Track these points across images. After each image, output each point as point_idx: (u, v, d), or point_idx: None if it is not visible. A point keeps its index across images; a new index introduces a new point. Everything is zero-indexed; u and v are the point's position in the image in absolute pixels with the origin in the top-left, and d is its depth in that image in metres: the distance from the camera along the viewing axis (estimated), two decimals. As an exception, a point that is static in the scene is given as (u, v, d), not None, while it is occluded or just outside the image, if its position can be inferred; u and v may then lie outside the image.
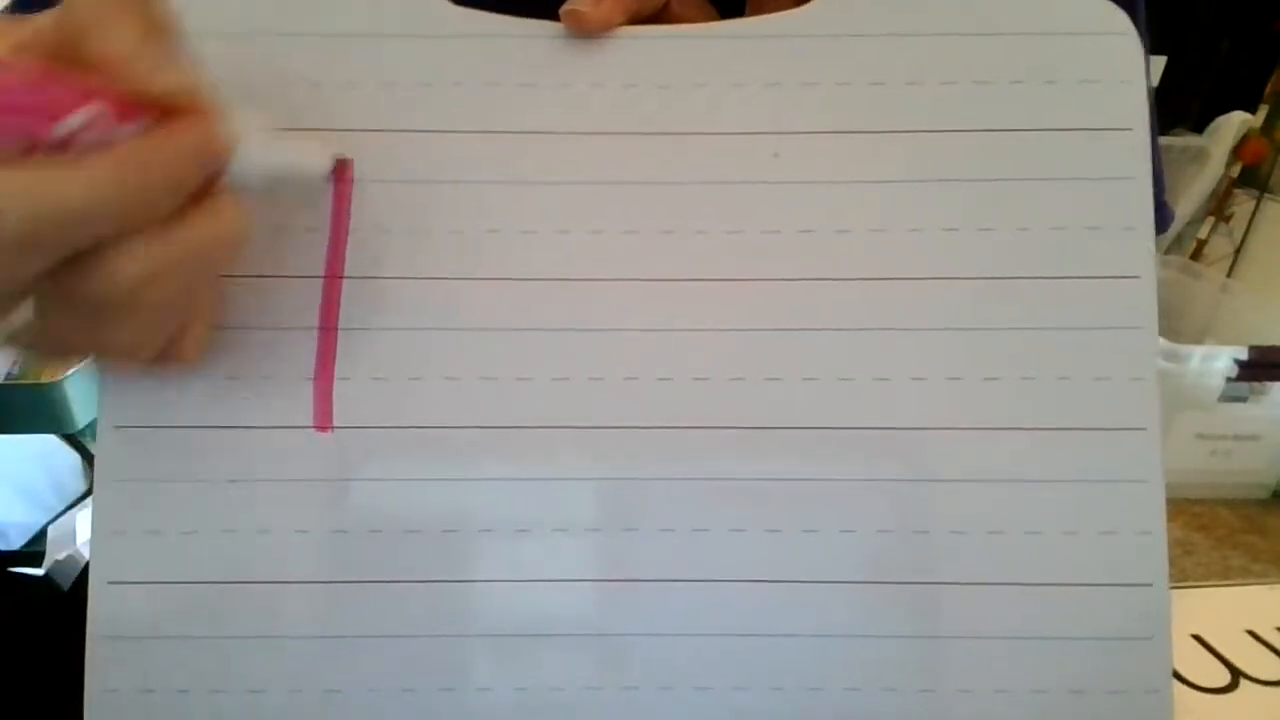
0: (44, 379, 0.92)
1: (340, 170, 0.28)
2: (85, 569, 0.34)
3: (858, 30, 0.29)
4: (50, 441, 1.02)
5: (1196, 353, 1.22)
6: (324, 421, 0.28)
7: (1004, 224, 0.28)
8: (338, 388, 0.28)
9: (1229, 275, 1.63)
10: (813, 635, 0.28)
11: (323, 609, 0.28)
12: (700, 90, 0.29)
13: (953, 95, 0.29)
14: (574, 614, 0.28)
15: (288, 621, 0.28)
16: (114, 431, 0.28)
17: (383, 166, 0.28)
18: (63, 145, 0.20)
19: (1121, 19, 0.29)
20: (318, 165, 0.26)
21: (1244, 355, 1.21)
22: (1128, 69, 0.29)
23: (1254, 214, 1.62)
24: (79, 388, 0.94)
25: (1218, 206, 1.65)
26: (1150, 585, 0.28)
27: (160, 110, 0.21)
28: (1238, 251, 1.64)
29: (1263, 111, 1.59)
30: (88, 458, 1.02)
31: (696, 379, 0.28)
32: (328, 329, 0.28)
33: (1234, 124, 1.61)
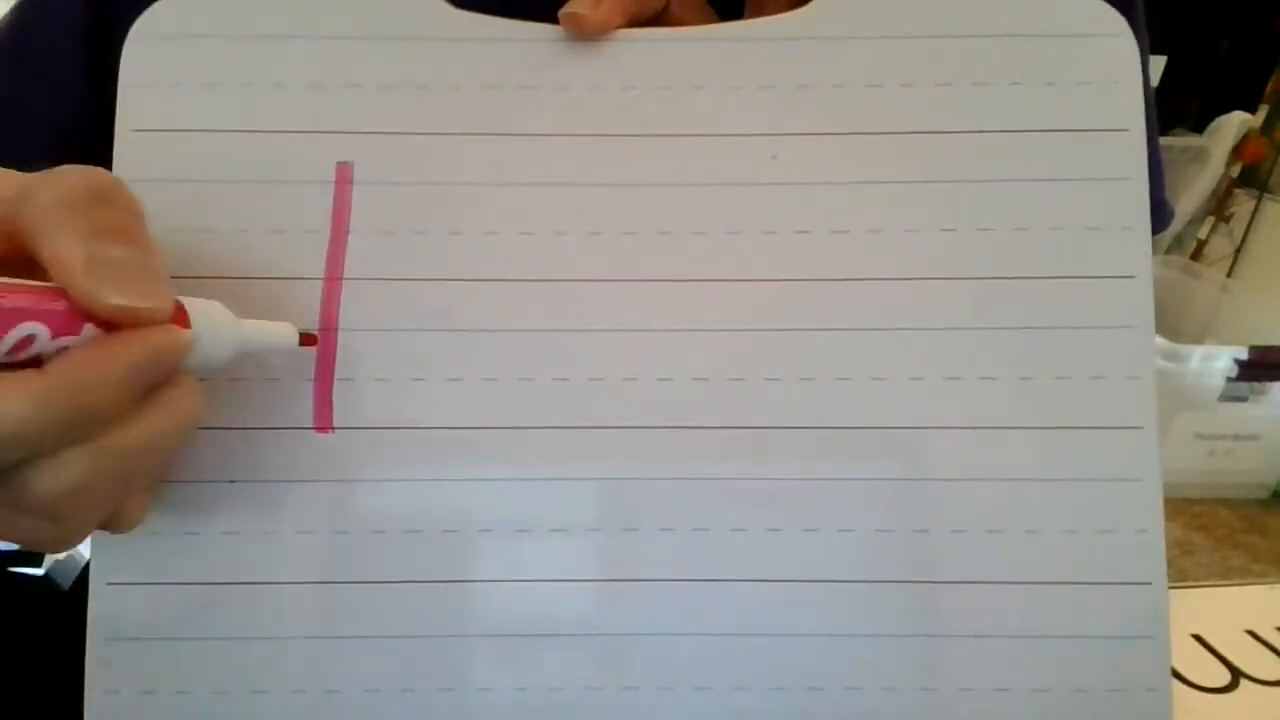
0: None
1: (341, 172, 0.28)
2: (85, 569, 0.34)
3: (855, 32, 0.29)
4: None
5: (1196, 353, 1.22)
6: (324, 422, 0.28)
7: (1001, 224, 0.28)
8: (338, 389, 0.28)
9: (1229, 275, 1.63)
10: (813, 635, 0.28)
11: (323, 609, 0.28)
12: (699, 92, 0.29)
13: (949, 96, 0.29)
14: (574, 614, 0.28)
15: (289, 622, 0.28)
16: None
17: (382, 168, 0.28)
18: (7, 366, 0.19)
19: (1117, 20, 0.29)
20: (284, 341, 0.26)
21: (1244, 355, 1.21)
22: (1123, 70, 0.29)
23: (1254, 214, 1.62)
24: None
25: (1218, 206, 1.65)
26: (1149, 584, 0.28)
27: (106, 320, 0.20)
28: (1238, 251, 1.64)
29: (1263, 111, 1.60)
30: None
31: (696, 379, 0.28)
32: (327, 330, 0.28)
33: (1234, 124, 1.61)
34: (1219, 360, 1.24)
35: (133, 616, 0.27)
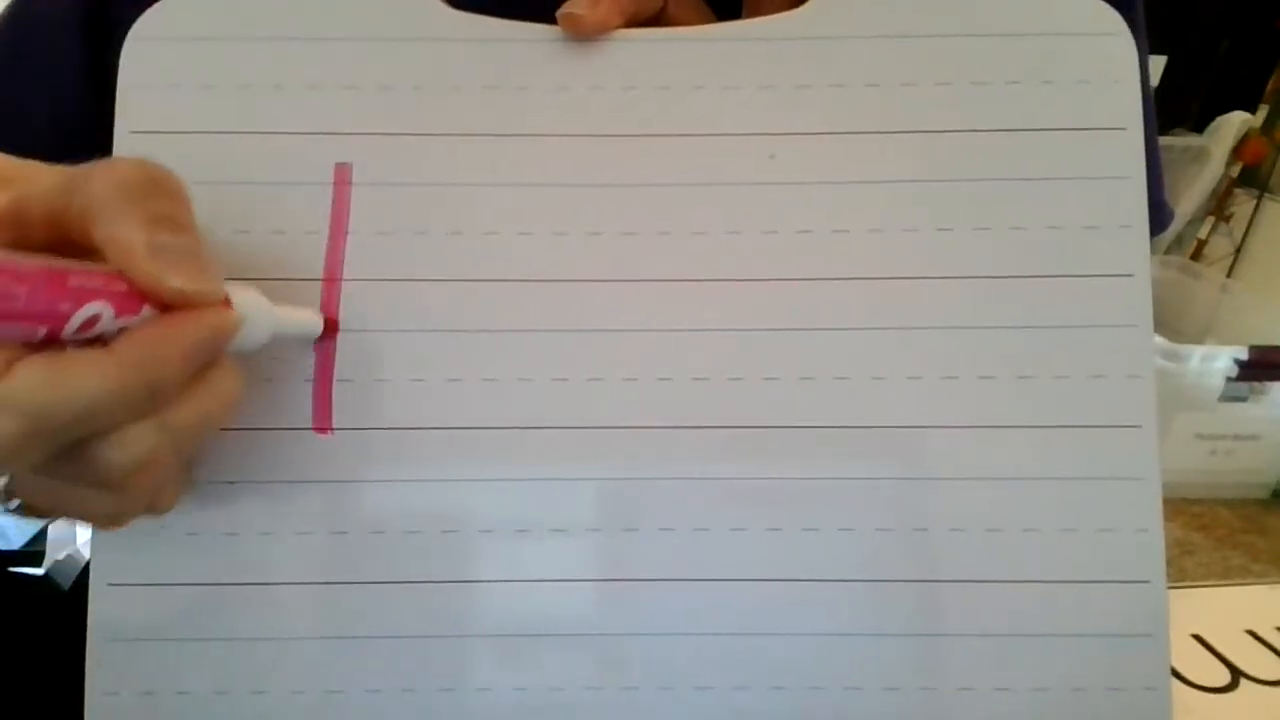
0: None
1: (340, 173, 0.28)
2: (85, 569, 0.34)
3: (853, 32, 0.29)
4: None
5: (1196, 353, 1.22)
6: (324, 423, 0.28)
7: (1000, 223, 0.28)
8: (337, 389, 0.28)
9: (1229, 275, 1.63)
10: (813, 634, 0.28)
11: (323, 610, 0.28)
12: (697, 92, 0.29)
13: (948, 96, 0.29)
14: (574, 614, 0.28)
15: (289, 622, 0.28)
16: None
17: (381, 169, 0.28)
18: (66, 342, 0.20)
19: (1115, 19, 0.29)
20: (310, 327, 0.27)
21: (1244, 355, 1.21)
22: (1121, 69, 0.29)
23: (1254, 214, 1.62)
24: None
25: (1218, 206, 1.65)
26: (1148, 583, 0.28)
27: (164, 302, 0.21)
28: (1238, 251, 1.64)
29: (1263, 111, 1.59)
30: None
31: (696, 379, 0.28)
32: (326, 331, 0.28)
33: (1234, 124, 1.61)
34: (1219, 360, 1.23)
35: (133, 617, 0.27)
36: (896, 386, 0.28)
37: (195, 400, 0.22)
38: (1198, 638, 0.56)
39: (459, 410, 0.28)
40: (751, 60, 0.29)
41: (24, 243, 0.21)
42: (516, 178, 0.29)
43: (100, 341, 0.20)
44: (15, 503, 0.23)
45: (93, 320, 0.20)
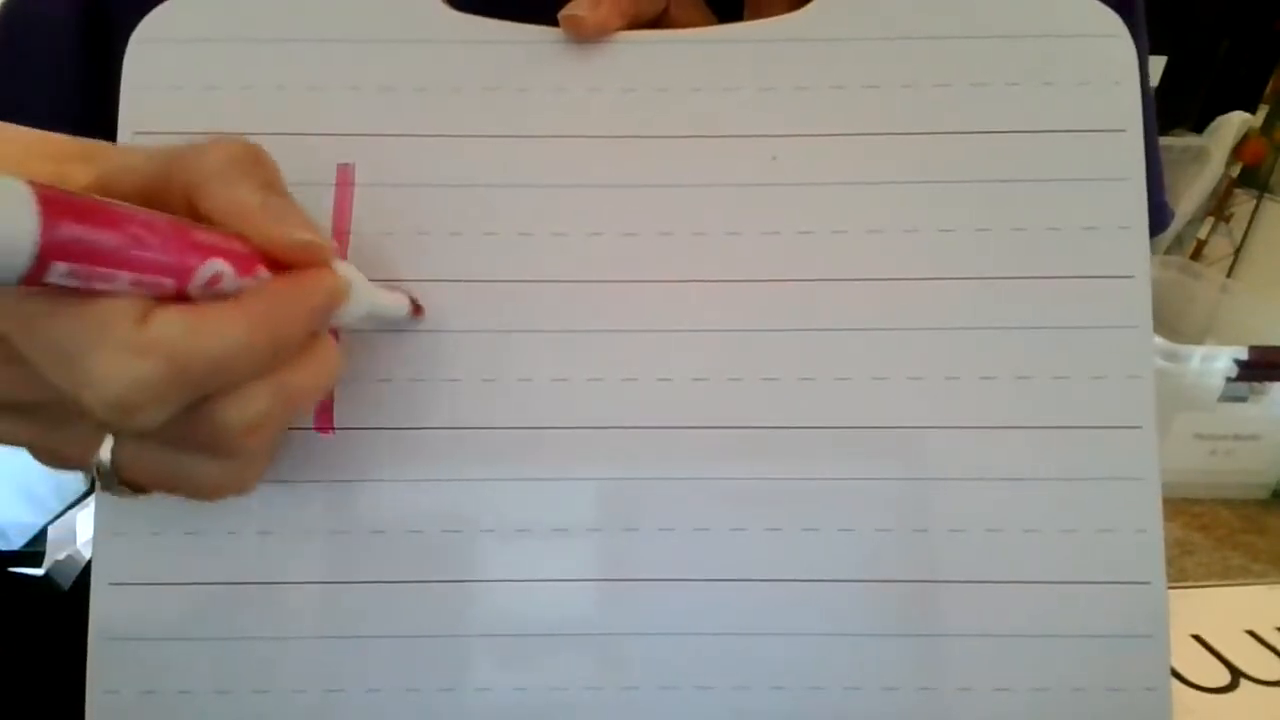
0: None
1: (342, 174, 0.28)
2: (85, 569, 0.34)
3: (854, 34, 0.29)
4: (51, 442, 1.02)
5: (1196, 353, 1.22)
6: (325, 423, 0.28)
7: (1000, 224, 0.28)
8: (339, 389, 0.28)
9: (1229, 275, 1.63)
10: (813, 634, 0.28)
11: (324, 609, 0.28)
12: (698, 94, 0.29)
13: (948, 97, 0.29)
14: (575, 614, 0.28)
15: (289, 622, 0.28)
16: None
17: (382, 170, 0.29)
18: (197, 294, 0.20)
19: (1114, 21, 0.29)
20: (401, 309, 0.27)
21: (1244, 355, 1.21)
22: (1121, 71, 0.29)
23: (1254, 214, 1.62)
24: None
25: (1218, 206, 1.65)
26: (1148, 583, 0.28)
27: (276, 262, 0.21)
28: (1238, 251, 1.64)
29: (1263, 111, 1.59)
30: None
31: (696, 379, 0.28)
32: (328, 331, 0.28)
33: (1234, 124, 1.61)
34: (1219, 360, 1.23)
35: (134, 616, 0.27)
36: (896, 387, 0.28)
37: (306, 365, 0.22)
38: (1198, 638, 0.56)
39: (459, 410, 0.28)
40: (752, 62, 0.29)
41: None
42: (517, 179, 0.29)
43: (222, 299, 0.20)
44: (112, 481, 0.22)
45: (216, 278, 0.20)
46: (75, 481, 1.09)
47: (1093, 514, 0.28)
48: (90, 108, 0.34)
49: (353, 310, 0.24)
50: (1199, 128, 1.66)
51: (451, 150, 0.29)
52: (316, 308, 0.22)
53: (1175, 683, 0.51)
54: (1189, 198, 1.64)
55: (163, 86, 0.29)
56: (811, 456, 0.28)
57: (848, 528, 0.28)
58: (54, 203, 0.16)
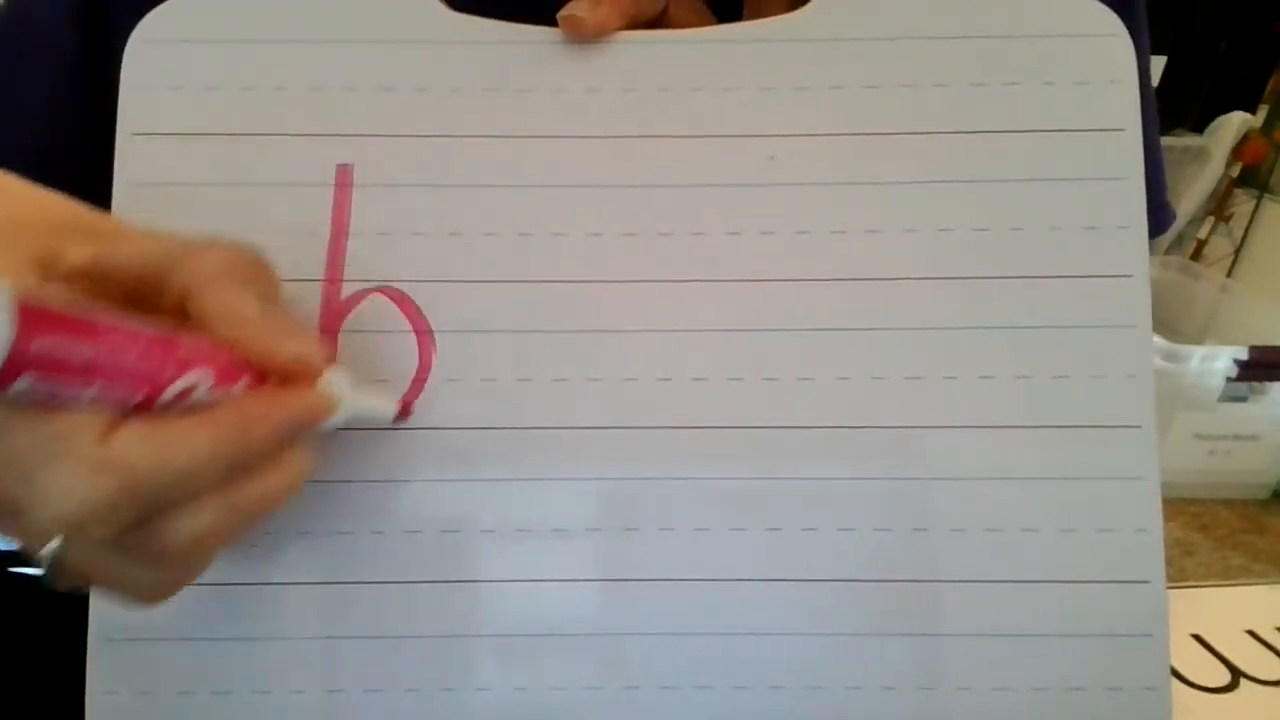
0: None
1: (341, 175, 0.28)
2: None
3: (853, 34, 0.29)
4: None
5: (1196, 353, 1.22)
6: (398, 417, 0.28)
7: (999, 224, 0.28)
8: None
9: (1229, 275, 1.63)
10: (812, 634, 0.28)
11: (324, 610, 0.28)
12: (697, 94, 0.29)
13: (947, 97, 0.29)
14: (575, 614, 0.28)
15: (289, 622, 0.28)
16: None
17: (382, 170, 0.29)
18: (165, 407, 0.20)
19: (1113, 21, 0.29)
20: (387, 411, 0.27)
21: (1244, 355, 1.21)
22: (1120, 70, 0.29)
23: (1254, 214, 1.62)
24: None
25: (1218, 206, 1.65)
26: (1147, 583, 0.28)
27: (262, 373, 0.21)
28: (1238, 251, 1.64)
29: (1263, 111, 1.60)
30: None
31: (695, 379, 0.28)
32: (327, 332, 0.28)
33: (1234, 124, 1.61)
34: (1219, 360, 1.24)
35: (133, 617, 0.27)
36: (896, 387, 0.28)
37: (267, 477, 0.22)
38: (1198, 638, 0.56)
39: (459, 411, 0.28)
40: (751, 62, 0.29)
41: (101, 298, 0.22)
42: (516, 179, 0.29)
43: (190, 411, 0.20)
44: (57, 573, 0.22)
45: (189, 390, 0.20)
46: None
47: (1092, 513, 0.28)
48: (86, 109, 0.34)
49: (334, 421, 0.24)
50: (1199, 128, 1.66)
51: (451, 150, 0.29)
52: (292, 424, 0.22)
53: (1175, 682, 0.51)
54: (1189, 198, 1.64)
55: (162, 87, 0.29)
56: (811, 456, 0.28)
57: (847, 527, 0.28)
58: (33, 316, 0.16)
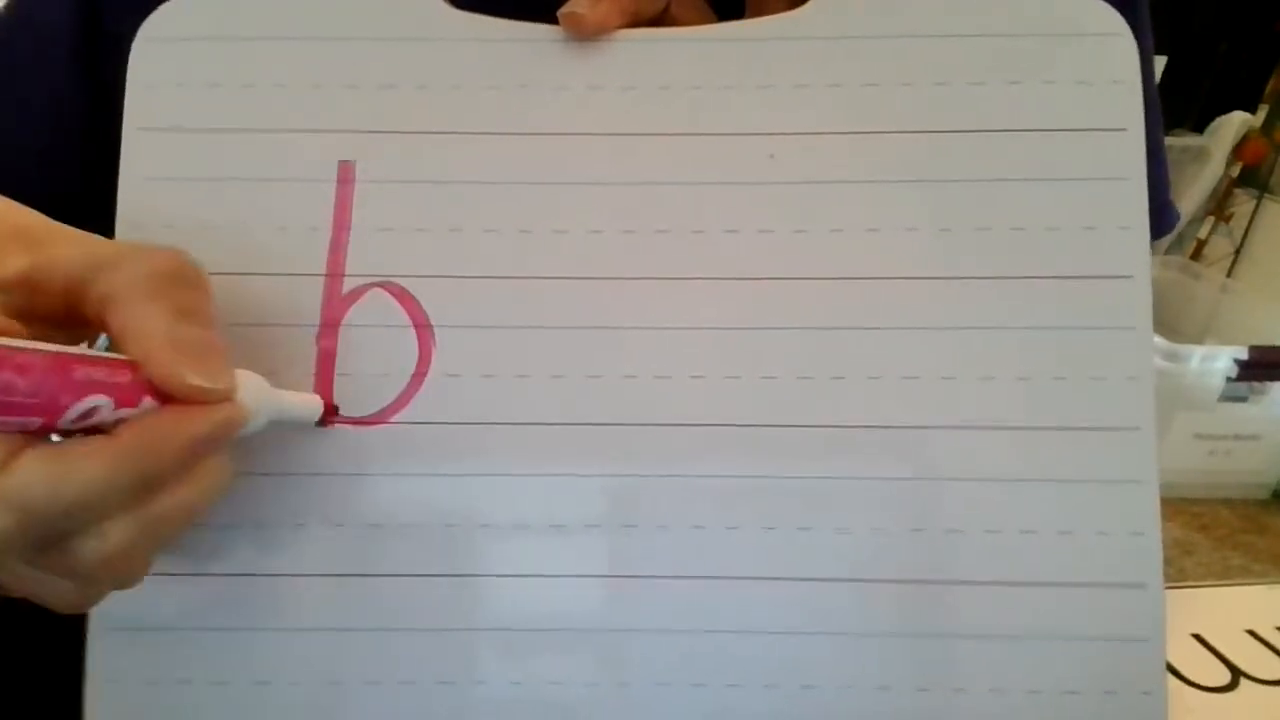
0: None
1: (343, 171, 0.29)
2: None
3: (852, 32, 0.29)
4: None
5: (1196, 353, 1.22)
6: (324, 417, 0.28)
7: (999, 224, 0.28)
8: (338, 383, 0.28)
9: (1229, 275, 1.63)
10: (808, 633, 0.28)
11: (323, 602, 0.28)
12: (697, 92, 0.29)
13: (947, 96, 0.29)
14: (572, 610, 0.28)
15: (289, 614, 0.28)
16: None
17: (382, 167, 0.29)
18: (70, 430, 0.19)
19: (1116, 20, 0.29)
20: (312, 412, 0.27)
21: (1244, 355, 1.21)
22: (1123, 70, 0.29)
23: (1254, 214, 1.62)
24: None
25: (1218, 206, 1.65)
26: (1145, 586, 0.28)
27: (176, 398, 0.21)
28: (1238, 251, 1.64)
29: (1263, 111, 1.60)
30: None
31: (694, 377, 0.28)
32: (328, 326, 0.28)
33: (1234, 124, 1.61)
34: (1219, 360, 1.24)
35: (133, 608, 0.28)
36: (894, 386, 0.28)
37: (184, 489, 0.22)
38: (1198, 637, 0.56)
39: (458, 405, 0.28)
40: (751, 60, 0.29)
41: (38, 309, 0.21)
42: (517, 176, 0.29)
43: (96, 431, 0.20)
44: None
45: (91, 412, 0.19)
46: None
47: (1090, 516, 0.28)
48: (86, 113, 0.34)
49: (250, 427, 0.23)
50: (1199, 128, 1.66)
51: (452, 147, 0.29)
52: (198, 442, 0.21)
53: (1175, 682, 0.51)
54: (1189, 198, 1.64)
55: (167, 83, 0.29)
56: (809, 455, 0.28)
57: (844, 527, 0.28)
58: None
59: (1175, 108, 1.63)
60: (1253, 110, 1.59)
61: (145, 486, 0.20)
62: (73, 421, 0.19)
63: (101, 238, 0.23)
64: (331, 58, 0.29)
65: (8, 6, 0.37)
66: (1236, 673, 0.53)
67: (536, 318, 0.28)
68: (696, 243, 0.28)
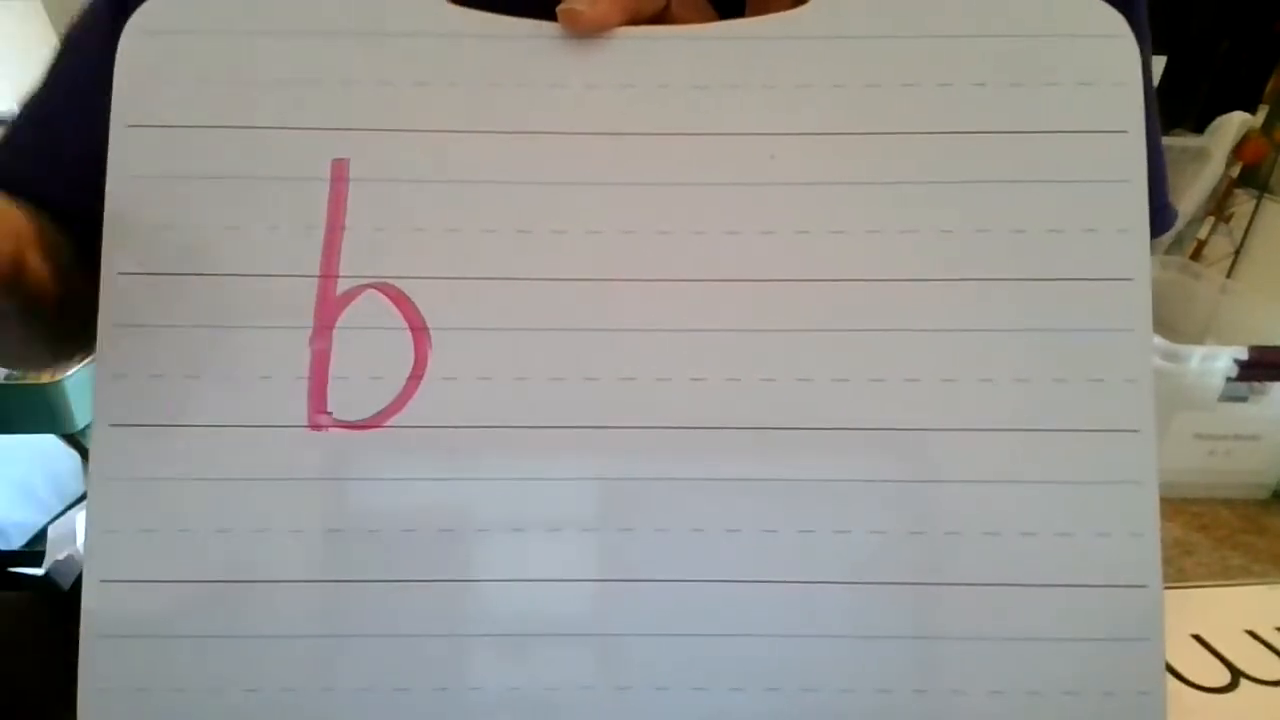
0: (44, 379, 0.92)
1: (337, 169, 0.28)
2: (83, 568, 0.34)
3: (854, 32, 0.29)
4: (50, 442, 1.03)
5: (1196, 353, 1.22)
6: (318, 420, 0.28)
7: (999, 225, 0.28)
8: (332, 386, 0.28)
9: (1229, 275, 1.63)
10: (807, 636, 0.28)
11: (318, 608, 0.28)
12: (697, 91, 0.29)
13: (949, 97, 0.29)
14: (570, 613, 0.28)
15: (282, 620, 0.28)
16: (109, 430, 0.28)
17: (379, 165, 0.28)
18: None
19: (1118, 21, 0.29)
20: None
21: (1244, 355, 1.21)
22: (1124, 71, 0.29)
23: (1254, 214, 1.62)
24: (79, 388, 0.94)
25: (1218, 206, 1.65)
26: (1145, 587, 0.28)
27: None
28: (1238, 251, 1.64)
29: (1263, 111, 1.59)
30: (88, 458, 1.03)
31: (693, 379, 0.28)
32: (323, 328, 0.28)
33: (1234, 124, 1.61)
34: (1219, 360, 1.24)
35: (126, 614, 0.27)
36: (894, 388, 0.28)
37: None
38: (1197, 638, 0.56)
39: (455, 408, 0.28)
40: (752, 60, 0.29)
41: None
42: (515, 175, 0.28)
43: None
44: None
45: None
46: (75, 481, 1.09)
47: (1090, 517, 0.28)
48: None
49: None
50: (1199, 128, 1.66)
51: (449, 146, 0.28)
52: None
53: (1175, 682, 0.51)
54: (1189, 198, 1.64)
55: (156, 78, 0.28)
56: (808, 458, 0.28)
57: (844, 529, 0.28)
58: None
59: (1175, 108, 1.63)
60: (1253, 110, 1.59)
61: None
62: None
63: None
64: (326, 53, 0.29)
65: (79, 14, 0.38)
66: (1236, 673, 0.53)
67: (534, 320, 0.28)
68: (696, 244, 0.28)
